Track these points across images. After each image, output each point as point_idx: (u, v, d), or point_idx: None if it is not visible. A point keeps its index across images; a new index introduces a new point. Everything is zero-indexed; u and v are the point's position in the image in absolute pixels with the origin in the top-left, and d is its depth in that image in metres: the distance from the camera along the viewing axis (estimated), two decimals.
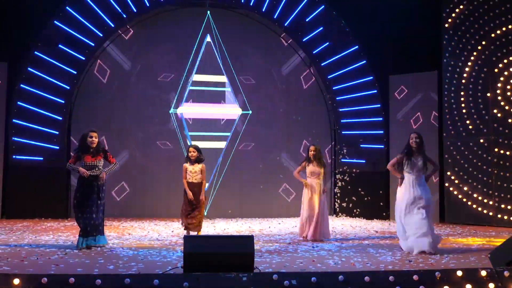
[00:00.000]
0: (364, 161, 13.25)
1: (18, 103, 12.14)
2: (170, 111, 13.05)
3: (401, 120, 12.99)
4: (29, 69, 12.22)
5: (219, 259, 5.40)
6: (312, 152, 9.20)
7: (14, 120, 12.12)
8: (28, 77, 12.21)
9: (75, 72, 12.44)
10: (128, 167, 12.91)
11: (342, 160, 13.35)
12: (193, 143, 11.96)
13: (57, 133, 12.29)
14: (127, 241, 8.60)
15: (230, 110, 13.32)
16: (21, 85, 12.18)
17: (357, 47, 13.29)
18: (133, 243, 8.38)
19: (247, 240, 5.65)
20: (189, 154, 8.87)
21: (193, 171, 8.81)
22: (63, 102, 12.36)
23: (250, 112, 13.34)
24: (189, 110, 13.17)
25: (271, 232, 10.17)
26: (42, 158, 12.16)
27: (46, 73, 12.27)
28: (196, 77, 13.21)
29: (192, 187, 8.80)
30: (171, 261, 6.70)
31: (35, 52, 12.24)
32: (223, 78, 13.29)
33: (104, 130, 12.72)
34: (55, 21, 12.34)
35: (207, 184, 8.93)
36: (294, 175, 9.46)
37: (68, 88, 12.40)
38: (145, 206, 12.87)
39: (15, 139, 12.11)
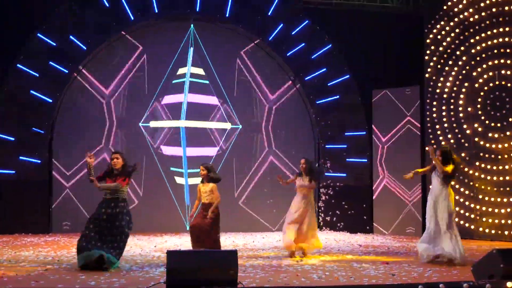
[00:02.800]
0: (347, 175, 13.29)
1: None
2: (153, 124, 12.98)
3: (383, 134, 13.07)
4: (10, 81, 12.12)
5: (202, 274, 5.37)
6: (301, 165, 8.82)
7: None
8: (9, 90, 12.10)
9: (58, 86, 12.36)
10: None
11: (326, 174, 13.37)
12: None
13: (39, 146, 12.17)
14: None
15: (216, 124, 13.29)
16: (2, 97, 12.06)
17: (341, 61, 13.39)
18: None
19: (231, 255, 5.62)
20: (200, 173, 8.41)
21: (204, 191, 8.30)
22: (45, 115, 12.27)
23: (233, 125, 13.34)
24: (171, 124, 13.10)
25: (255, 247, 10.13)
26: (23, 172, 12.03)
27: (27, 86, 12.16)
28: (179, 90, 13.20)
29: (203, 208, 8.26)
30: (154, 276, 6.64)
31: (18, 65, 12.15)
32: (207, 92, 13.30)
33: (86, 145, 12.61)
34: (38, 34, 12.27)
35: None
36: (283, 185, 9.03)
37: (51, 101, 12.32)
38: None
39: None
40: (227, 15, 13.14)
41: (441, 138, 12.24)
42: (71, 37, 12.41)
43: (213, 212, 8.18)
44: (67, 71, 12.43)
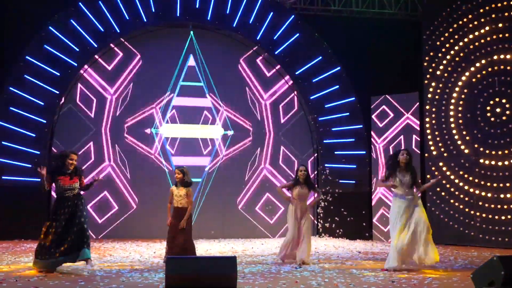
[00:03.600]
0: (346, 181, 13.28)
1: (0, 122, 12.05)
2: (153, 130, 12.99)
3: (383, 140, 13.07)
4: (10, 88, 12.13)
5: (201, 280, 5.36)
6: (302, 172, 8.71)
7: None
8: (9, 96, 12.11)
9: (57, 92, 12.38)
10: (110, 188, 12.79)
11: (324, 180, 13.36)
12: (175, 164, 11.89)
13: (38, 153, 12.17)
14: (109, 263, 8.48)
15: (213, 130, 13.31)
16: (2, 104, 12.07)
17: (339, 68, 13.42)
18: (115, 265, 8.27)
19: (230, 261, 5.61)
20: (175, 176, 8.36)
21: (178, 195, 8.23)
22: (45, 121, 12.27)
23: (232, 132, 13.36)
24: (170, 130, 13.12)
25: (254, 253, 10.11)
26: (22, 178, 12.02)
27: (28, 92, 12.18)
28: (179, 97, 13.22)
29: (177, 212, 8.22)
30: (153, 282, 6.62)
31: (17, 72, 12.16)
32: (205, 100, 13.32)
33: (85, 150, 12.64)
34: (37, 41, 12.28)
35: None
36: (277, 189, 9.05)
37: (50, 107, 12.31)
38: (127, 227, 12.73)
39: None
40: (225, 22, 13.16)
41: (440, 144, 12.25)
42: (70, 43, 12.43)
43: (186, 221, 8.13)
44: (66, 77, 12.44)
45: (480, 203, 11.53)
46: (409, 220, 7.66)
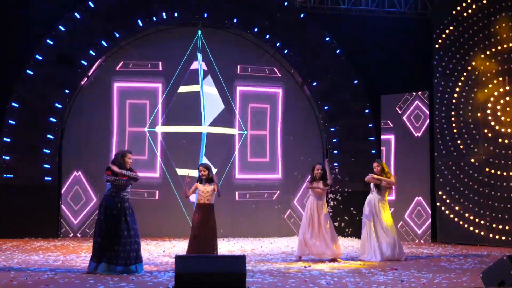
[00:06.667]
0: (356, 180, 13.23)
1: (9, 121, 12.10)
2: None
3: (391, 139, 13.04)
4: (20, 87, 12.20)
5: (210, 279, 5.37)
6: (319, 171, 8.97)
7: (4, 139, 12.06)
8: (19, 96, 12.18)
9: (68, 91, 12.44)
10: None
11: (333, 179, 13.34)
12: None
13: (49, 152, 12.24)
14: None
15: (224, 130, 13.33)
16: (12, 104, 12.15)
17: (349, 67, 13.39)
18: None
19: (239, 260, 5.62)
20: (200, 174, 8.34)
21: (205, 191, 8.23)
22: (55, 121, 12.34)
23: (245, 132, 13.37)
24: (177, 129, 13.15)
25: (263, 252, 10.12)
26: (32, 177, 12.09)
27: (37, 92, 12.24)
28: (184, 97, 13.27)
29: (203, 209, 8.23)
30: (162, 281, 6.65)
31: (27, 71, 12.24)
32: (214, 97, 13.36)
33: (95, 150, 12.71)
34: (47, 40, 12.36)
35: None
36: (307, 187, 9.34)
37: (60, 107, 12.38)
38: None
39: (6, 157, 12.04)
40: (235, 21, 13.17)
41: (450, 143, 12.19)
42: (80, 43, 12.48)
43: (212, 219, 8.22)
44: (76, 77, 12.50)
45: (490, 202, 11.47)
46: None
